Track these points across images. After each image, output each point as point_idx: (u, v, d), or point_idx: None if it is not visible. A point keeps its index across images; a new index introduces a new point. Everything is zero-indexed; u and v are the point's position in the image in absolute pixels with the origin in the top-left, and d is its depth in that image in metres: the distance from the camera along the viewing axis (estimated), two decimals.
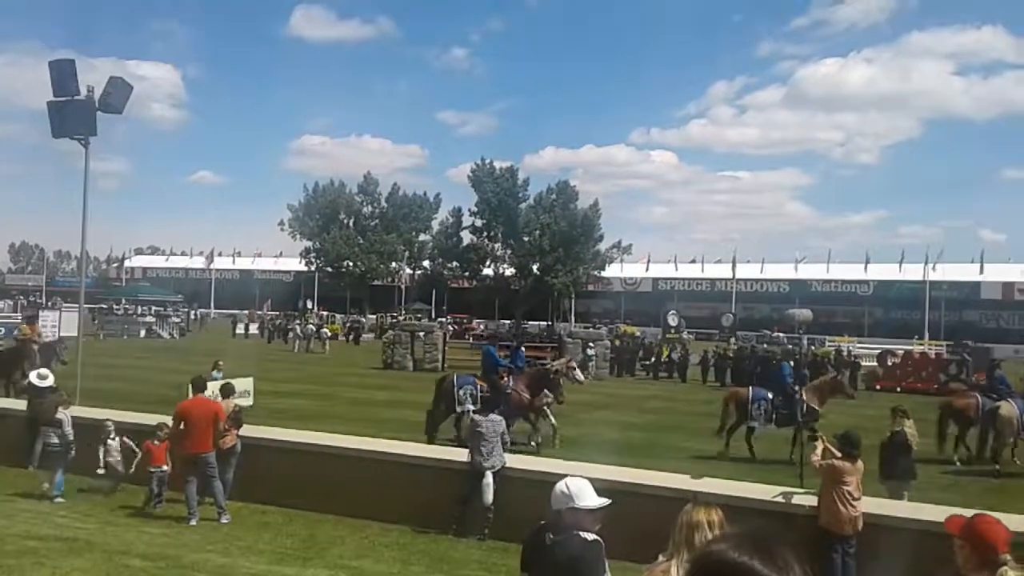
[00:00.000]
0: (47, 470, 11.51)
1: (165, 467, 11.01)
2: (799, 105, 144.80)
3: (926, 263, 68.26)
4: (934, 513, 7.82)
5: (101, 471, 11.60)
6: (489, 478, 9.93)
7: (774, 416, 16.77)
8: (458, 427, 16.91)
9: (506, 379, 16.99)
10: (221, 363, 17.87)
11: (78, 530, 9.62)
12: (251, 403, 17.06)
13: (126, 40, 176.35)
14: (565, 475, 4.60)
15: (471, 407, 15.86)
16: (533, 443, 16.83)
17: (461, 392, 16.85)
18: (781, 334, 65.02)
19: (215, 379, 14.66)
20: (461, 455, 10.53)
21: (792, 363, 24.34)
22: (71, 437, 11.61)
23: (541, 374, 17.95)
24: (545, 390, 17.28)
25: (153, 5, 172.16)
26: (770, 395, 17.07)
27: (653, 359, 38.35)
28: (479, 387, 17.07)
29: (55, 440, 11.53)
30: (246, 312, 72.53)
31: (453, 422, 17.18)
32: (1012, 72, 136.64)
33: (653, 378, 36.62)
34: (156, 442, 11.12)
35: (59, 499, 11.30)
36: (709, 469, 13.16)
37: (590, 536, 4.19)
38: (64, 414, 11.74)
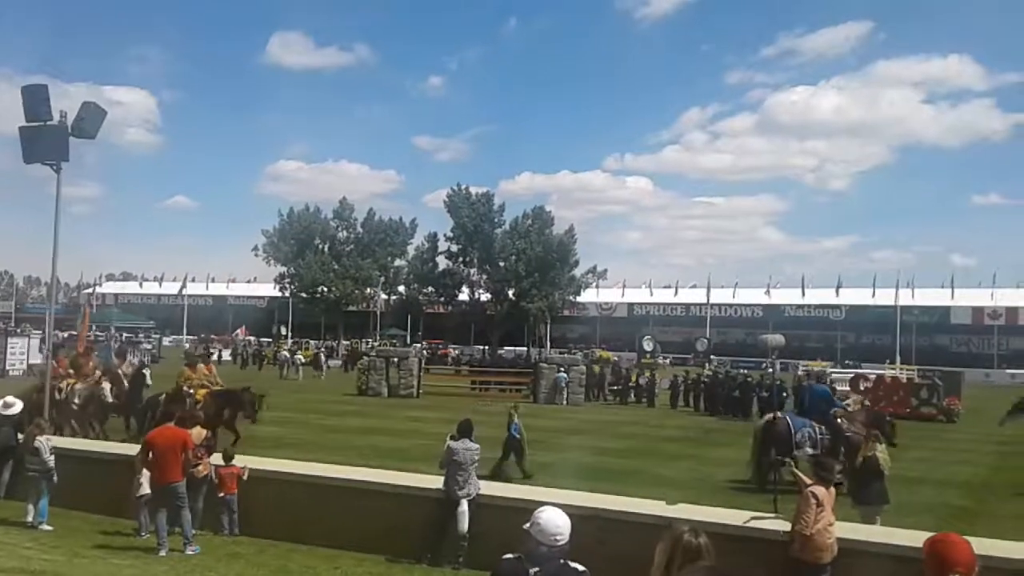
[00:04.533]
0: (30, 498, 11.34)
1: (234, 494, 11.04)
2: (771, 132, 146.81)
3: (897, 288, 69.10)
4: (907, 537, 7.85)
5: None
6: (464, 506, 9.85)
7: (819, 444, 15.90)
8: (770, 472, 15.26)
9: (840, 420, 16.44)
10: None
11: (44, 562, 9.39)
12: None
13: (102, 65, 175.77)
14: (539, 502, 4.57)
15: (810, 450, 14.98)
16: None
17: (799, 435, 16.04)
18: (723, 358, 65.70)
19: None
20: (435, 482, 10.45)
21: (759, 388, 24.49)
22: (51, 464, 11.44)
23: (879, 416, 17.39)
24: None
25: (129, 31, 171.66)
26: (813, 423, 16.49)
27: (621, 384, 38.55)
28: (817, 429, 16.29)
29: (35, 467, 11.37)
30: (215, 337, 72.01)
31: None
32: (979, 100, 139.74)
33: (621, 403, 36.76)
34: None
35: (45, 527, 11.10)
36: (683, 495, 13.15)
37: (580, 567, 4.15)
38: (41, 441, 11.56)
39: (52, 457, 11.49)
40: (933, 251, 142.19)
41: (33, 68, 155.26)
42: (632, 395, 37.45)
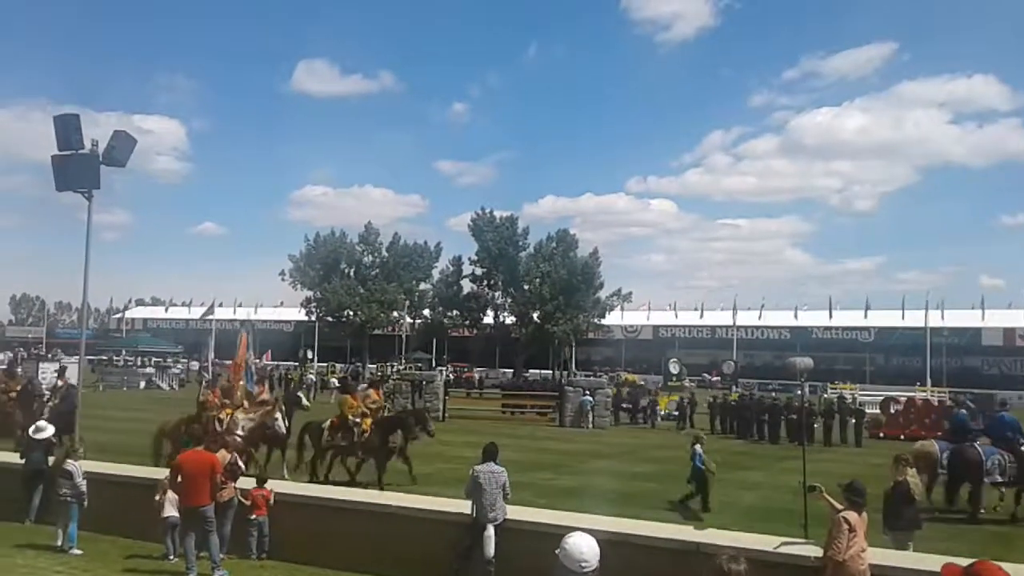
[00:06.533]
0: (60, 521, 11.47)
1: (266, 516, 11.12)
2: (795, 154, 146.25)
3: (927, 309, 68.27)
4: (939, 563, 7.70)
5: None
6: (491, 531, 9.80)
7: (1007, 472, 16.24)
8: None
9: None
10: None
11: None
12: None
13: (132, 95, 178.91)
14: (566, 527, 4.56)
15: (999, 478, 15.32)
16: None
17: (989, 463, 16.17)
18: (718, 378, 65.11)
19: None
20: (461, 507, 10.42)
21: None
22: (83, 487, 11.56)
23: None
24: None
25: (159, 61, 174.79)
26: (1001, 451, 16.54)
27: (631, 406, 38.85)
28: (1006, 457, 16.35)
29: (66, 491, 11.48)
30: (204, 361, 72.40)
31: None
32: (1006, 120, 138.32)
33: (632, 423, 37.21)
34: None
35: (75, 551, 11.18)
36: (711, 520, 13.03)
37: None
38: (73, 464, 11.69)
39: (84, 481, 11.61)
40: (961, 272, 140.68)
41: (65, 98, 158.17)
42: (640, 418, 37.65)
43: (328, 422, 18.40)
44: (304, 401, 19.22)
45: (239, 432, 17.42)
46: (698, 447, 16.69)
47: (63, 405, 19.90)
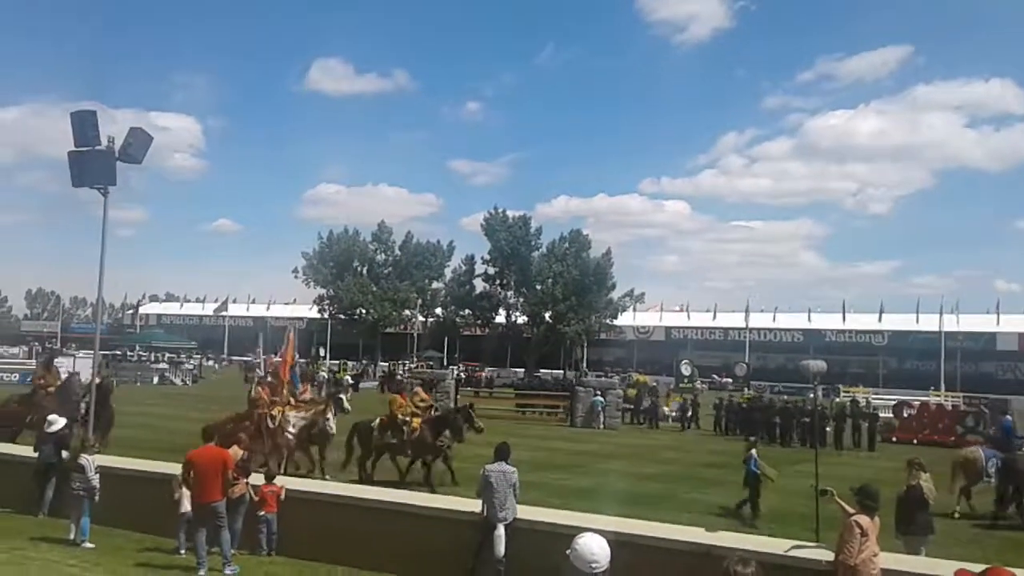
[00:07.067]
0: (73, 515, 11.57)
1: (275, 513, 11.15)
2: (809, 156, 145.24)
3: (941, 313, 67.82)
4: (952, 569, 7.66)
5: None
6: (501, 530, 9.80)
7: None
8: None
9: None
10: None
11: None
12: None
13: (148, 92, 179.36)
14: (577, 528, 4.56)
15: None
16: None
17: None
18: (729, 379, 64.82)
19: None
20: (471, 505, 10.43)
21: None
22: (95, 482, 11.64)
23: None
24: None
25: (175, 58, 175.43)
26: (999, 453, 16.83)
27: (633, 406, 38.79)
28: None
29: (79, 485, 11.57)
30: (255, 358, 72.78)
31: None
32: (1022, 124, 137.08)
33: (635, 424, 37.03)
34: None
35: (87, 544, 11.27)
36: (722, 522, 13.00)
37: None
38: (87, 459, 11.76)
39: (97, 476, 11.69)
40: (976, 276, 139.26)
41: (82, 94, 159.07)
42: (641, 418, 37.60)
43: (377, 421, 18.26)
44: (345, 404, 18.80)
45: (291, 430, 17.37)
46: (754, 452, 16.37)
47: (97, 406, 19.63)
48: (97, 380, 20.95)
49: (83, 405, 19.14)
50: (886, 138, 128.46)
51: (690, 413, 36.70)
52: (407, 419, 17.93)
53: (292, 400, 18.54)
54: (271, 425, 17.17)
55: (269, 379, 20.15)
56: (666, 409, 38.96)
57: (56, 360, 27.50)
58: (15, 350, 76.98)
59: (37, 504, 13.02)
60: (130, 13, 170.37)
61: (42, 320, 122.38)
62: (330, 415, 17.79)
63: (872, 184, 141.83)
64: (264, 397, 18.21)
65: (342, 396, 19.44)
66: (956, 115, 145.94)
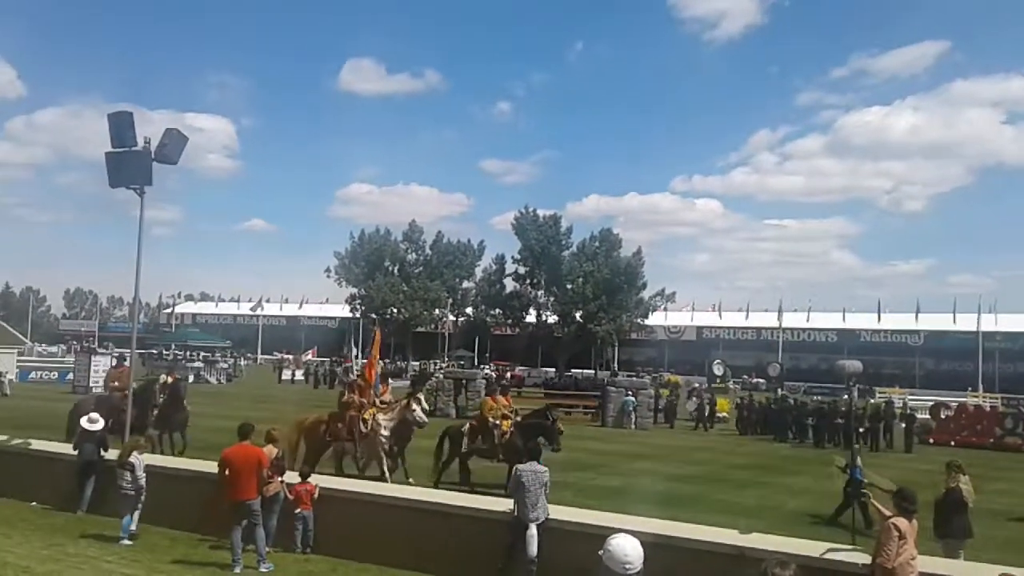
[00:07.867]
0: (124, 513, 11.73)
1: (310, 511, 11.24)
2: (843, 153, 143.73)
3: (979, 313, 66.72)
4: (992, 572, 7.55)
5: None
6: (533, 530, 9.79)
7: None
8: None
9: None
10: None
11: None
12: None
13: (184, 93, 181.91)
14: (610, 528, 4.54)
15: None
16: None
17: None
18: (761, 380, 64.07)
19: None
20: (505, 505, 10.44)
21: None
22: (143, 481, 11.82)
23: None
24: None
25: (210, 59, 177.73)
26: None
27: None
28: None
29: (127, 483, 11.74)
30: (288, 356, 73.61)
31: None
32: None
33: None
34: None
35: (126, 541, 11.42)
36: (754, 524, 12.86)
37: None
38: (137, 458, 11.93)
39: (144, 475, 11.85)
40: (1015, 275, 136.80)
41: (119, 96, 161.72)
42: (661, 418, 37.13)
43: (466, 426, 17.81)
44: (423, 402, 18.27)
45: (384, 434, 17.07)
46: (859, 459, 15.78)
47: (171, 407, 19.65)
48: (169, 379, 21.01)
49: (156, 410, 19.32)
50: (922, 135, 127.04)
51: (707, 412, 36.50)
52: (497, 422, 17.33)
53: (377, 401, 18.08)
54: (363, 429, 16.98)
55: (358, 381, 19.55)
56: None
57: (96, 359, 27.46)
58: (54, 348, 78.42)
59: (76, 501, 13.23)
60: (166, 14, 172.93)
61: (80, 319, 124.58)
62: (416, 407, 17.31)
63: (907, 181, 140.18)
64: (355, 400, 17.87)
65: (420, 397, 18.55)
66: (994, 111, 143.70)
